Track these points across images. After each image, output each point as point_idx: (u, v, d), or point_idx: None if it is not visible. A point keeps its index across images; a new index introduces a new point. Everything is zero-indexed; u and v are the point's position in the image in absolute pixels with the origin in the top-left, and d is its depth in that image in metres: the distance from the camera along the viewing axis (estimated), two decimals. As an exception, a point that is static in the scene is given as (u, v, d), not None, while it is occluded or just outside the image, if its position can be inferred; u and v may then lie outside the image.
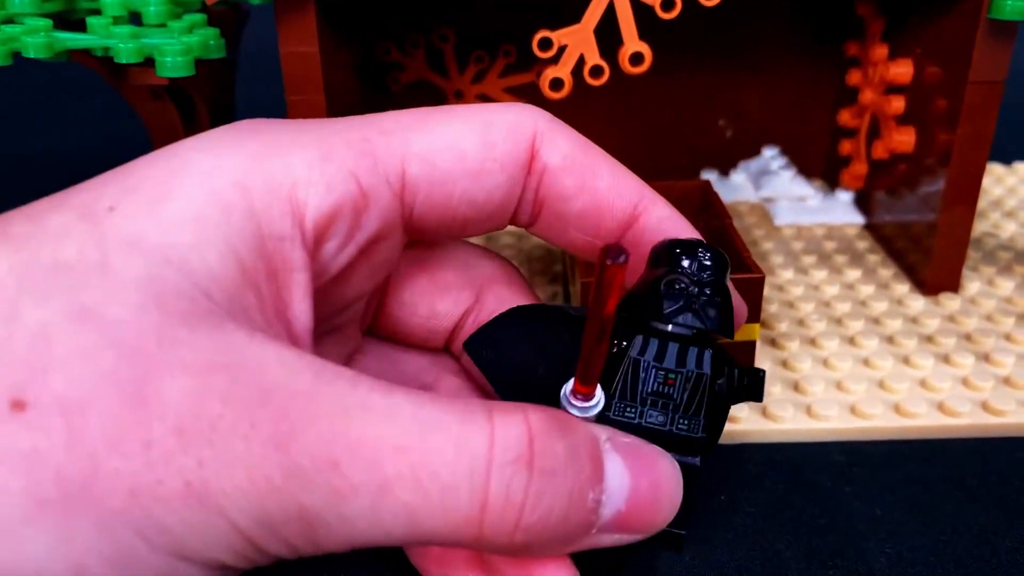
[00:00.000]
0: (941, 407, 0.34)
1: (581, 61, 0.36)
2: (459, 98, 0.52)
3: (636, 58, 0.35)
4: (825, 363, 0.36)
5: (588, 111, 0.51)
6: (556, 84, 0.36)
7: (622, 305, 0.23)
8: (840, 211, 0.48)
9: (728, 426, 0.33)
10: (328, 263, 0.24)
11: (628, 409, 0.23)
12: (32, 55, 0.32)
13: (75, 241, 0.20)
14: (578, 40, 0.35)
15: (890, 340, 0.38)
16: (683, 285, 0.23)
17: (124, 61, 0.32)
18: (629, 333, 0.23)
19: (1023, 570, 0.27)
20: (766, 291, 0.42)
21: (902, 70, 0.42)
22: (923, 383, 0.35)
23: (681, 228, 0.26)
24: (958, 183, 0.40)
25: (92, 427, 0.18)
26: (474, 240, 0.36)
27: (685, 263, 0.23)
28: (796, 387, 0.35)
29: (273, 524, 0.19)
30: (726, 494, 0.31)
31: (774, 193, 0.50)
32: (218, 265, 0.21)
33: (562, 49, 0.35)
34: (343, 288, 0.25)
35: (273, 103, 0.38)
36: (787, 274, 0.43)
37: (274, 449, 0.19)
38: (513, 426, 0.20)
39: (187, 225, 0.21)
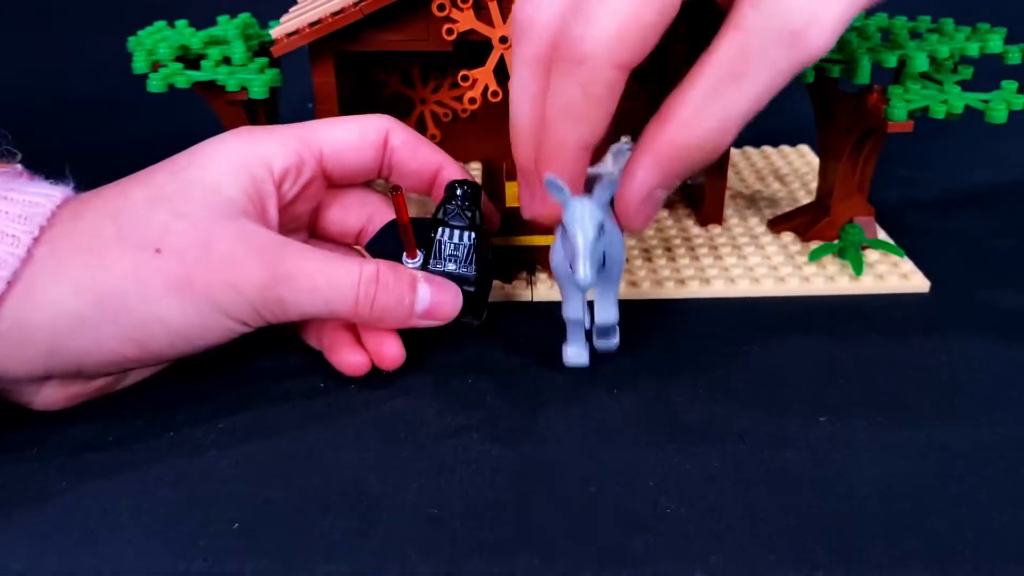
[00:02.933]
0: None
1: (487, 88, 0.62)
2: (423, 104, 0.77)
3: (516, 86, 0.62)
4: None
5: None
6: (472, 101, 0.62)
7: (434, 213, 0.47)
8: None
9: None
10: (285, 194, 0.46)
11: (437, 264, 0.46)
12: (178, 86, 0.58)
13: (170, 183, 0.43)
14: (483, 76, 0.61)
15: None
16: (455, 202, 0.47)
17: (255, 96, 0.57)
18: (438, 227, 0.47)
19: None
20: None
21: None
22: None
23: (461, 174, 0.48)
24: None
25: (189, 259, 0.40)
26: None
27: (458, 191, 0.47)
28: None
29: (266, 303, 0.41)
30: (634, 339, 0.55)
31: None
32: (236, 193, 0.43)
33: (475, 81, 0.62)
34: (294, 207, 0.47)
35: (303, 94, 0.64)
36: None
37: (268, 269, 0.41)
38: (370, 266, 0.43)
39: (223, 174, 0.43)
